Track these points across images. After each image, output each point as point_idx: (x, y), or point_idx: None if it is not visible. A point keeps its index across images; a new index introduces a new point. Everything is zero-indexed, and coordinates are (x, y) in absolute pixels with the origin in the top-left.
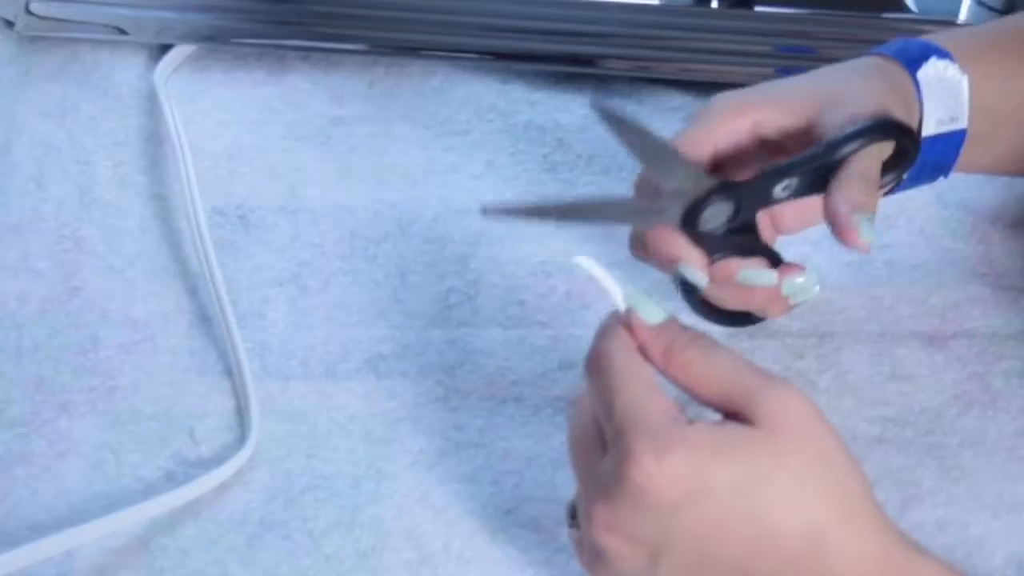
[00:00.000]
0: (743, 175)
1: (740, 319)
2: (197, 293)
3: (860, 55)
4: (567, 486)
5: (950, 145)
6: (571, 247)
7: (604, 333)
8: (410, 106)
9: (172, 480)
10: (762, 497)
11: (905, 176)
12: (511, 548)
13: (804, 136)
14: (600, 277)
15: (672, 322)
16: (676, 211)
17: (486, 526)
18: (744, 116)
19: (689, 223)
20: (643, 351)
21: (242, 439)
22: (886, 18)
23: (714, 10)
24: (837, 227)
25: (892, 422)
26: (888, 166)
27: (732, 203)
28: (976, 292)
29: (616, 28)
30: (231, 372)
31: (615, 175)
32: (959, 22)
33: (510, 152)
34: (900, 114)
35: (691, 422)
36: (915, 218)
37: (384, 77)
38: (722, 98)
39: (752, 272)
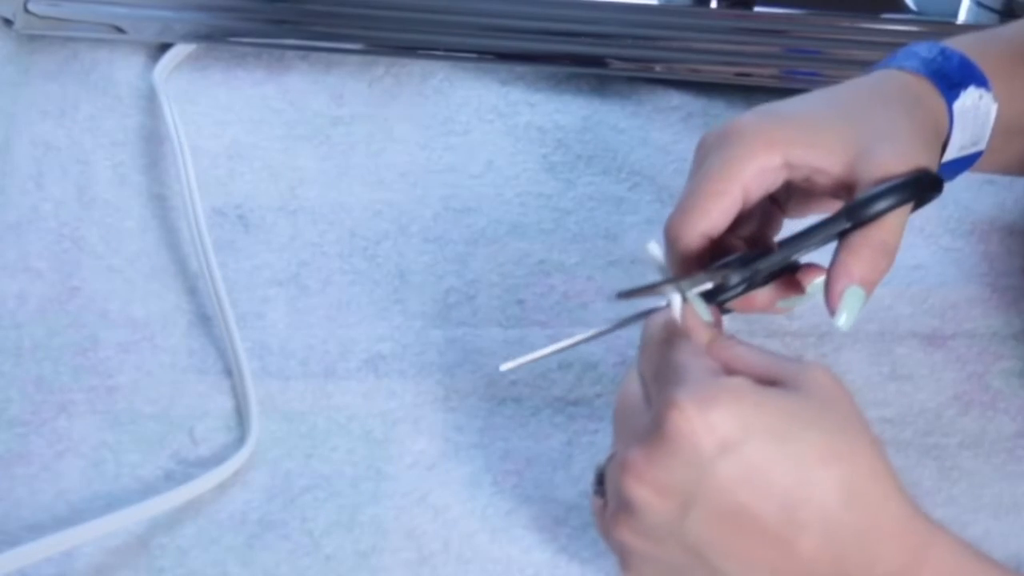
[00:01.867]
0: (752, 221)
1: None
2: (196, 293)
3: (895, 65)
4: (567, 486)
5: (964, 164)
6: (570, 246)
7: (655, 316)
8: (410, 106)
9: (171, 480)
10: (802, 444)
11: None
12: (511, 548)
13: (835, 180)
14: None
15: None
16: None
17: (486, 526)
18: (775, 151)
19: (709, 300)
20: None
21: (241, 439)
22: (886, 18)
23: (713, 10)
24: (827, 292)
25: (891, 422)
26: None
27: (750, 275)
28: (975, 292)
29: (616, 28)
30: (230, 372)
31: (614, 175)
32: (958, 23)
33: (510, 152)
34: (930, 154)
35: (735, 376)
36: (914, 218)
37: (384, 77)
38: (749, 128)
39: (789, 301)
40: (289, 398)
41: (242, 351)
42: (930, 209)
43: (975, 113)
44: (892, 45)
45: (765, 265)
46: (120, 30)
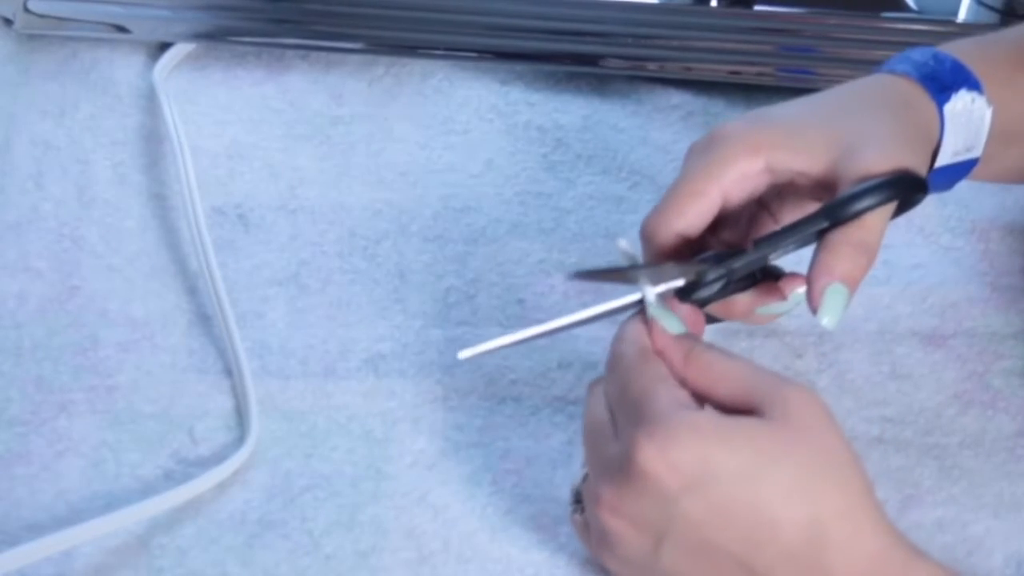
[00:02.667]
0: (740, 226)
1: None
2: (196, 292)
3: (886, 69)
4: (566, 485)
5: (959, 172)
6: (570, 246)
7: (623, 332)
8: (410, 105)
9: (171, 479)
10: (765, 485)
11: None
12: (511, 548)
13: (818, 182)
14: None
15: (690, 334)
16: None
17: (486, 526)
18: (758, 156)
19: (684, 298)
20: (662, 355)
21: (241, 438)
22: (886, 17)
23: (713, 9)
24: (808, 292)
25: (891, 422)
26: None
27: (725, 272)
28: (975, 291)
29: (616, 27)
30: (230, 371)
31: (614, 175)
32: (958, 21)
33: (509, 152)
34: (917, 157)
35: (700, 408)
36: (914, 217)
37: (384, 77)
38: (734, 132)
39: (768, 307)
40: (289, 397)
41: (242, 350)
42: (929, 208)
43: (968, 117)
44: (893, 44)
45: (740, 263)
46: (120, 29)
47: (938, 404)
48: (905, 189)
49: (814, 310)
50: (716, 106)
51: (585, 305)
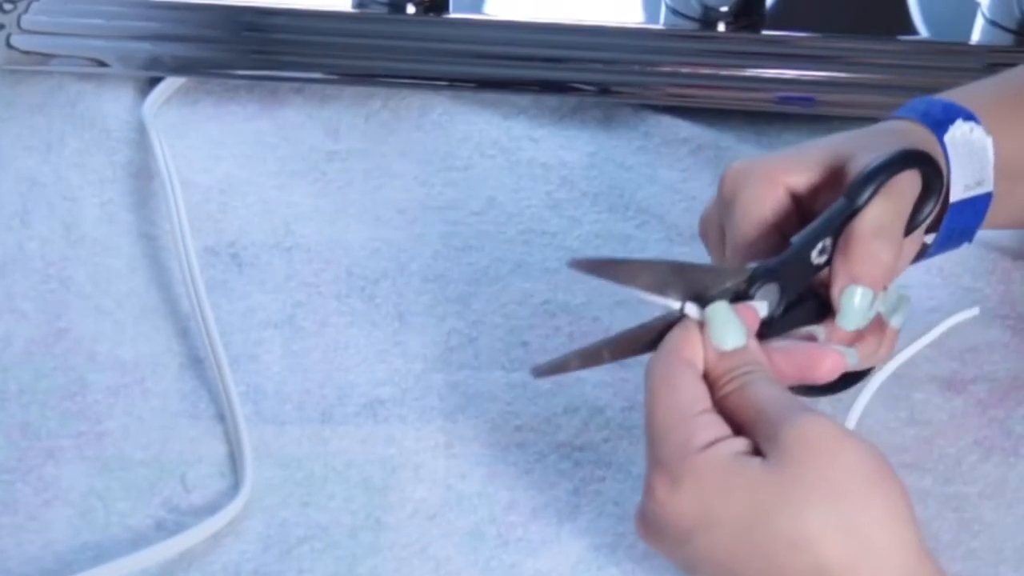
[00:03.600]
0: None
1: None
2: (188, 334)
3: (881, 119)
4: (573, 539)
5: (976, 210)
6: (575, 286)
7: (666, 344)
8: (408, 141)
9: (163, 529)
10: (766, 534)
11: (932, 233)
12: None
13: (834, 189)
14: None
15: (742, 351)
16: None
17: None
18: (777, 186)
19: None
20: (705, 372)
21: (235, 486)
22: (898, 40)
23: (721, 34)
24: (832, 303)
25: (910, 468)
26: (918, 202)
27: (776, 284)
28: (996, 335)
29: (621, 54)
30: (223, 417)
31: (621, 213)
32: (971, 43)
33: (512, 189)
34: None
35: (706, 448)
36: (933, 258)
37: (381, 111)
38: (749, 173)
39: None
40: (284, 444)
41: (235, 395)
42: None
43: (970, 147)
44: (904, 67)
45: (780, 263)
46: (102, 64)
47: (958, 451)
48: (912, 160)
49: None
50: (726, 139)
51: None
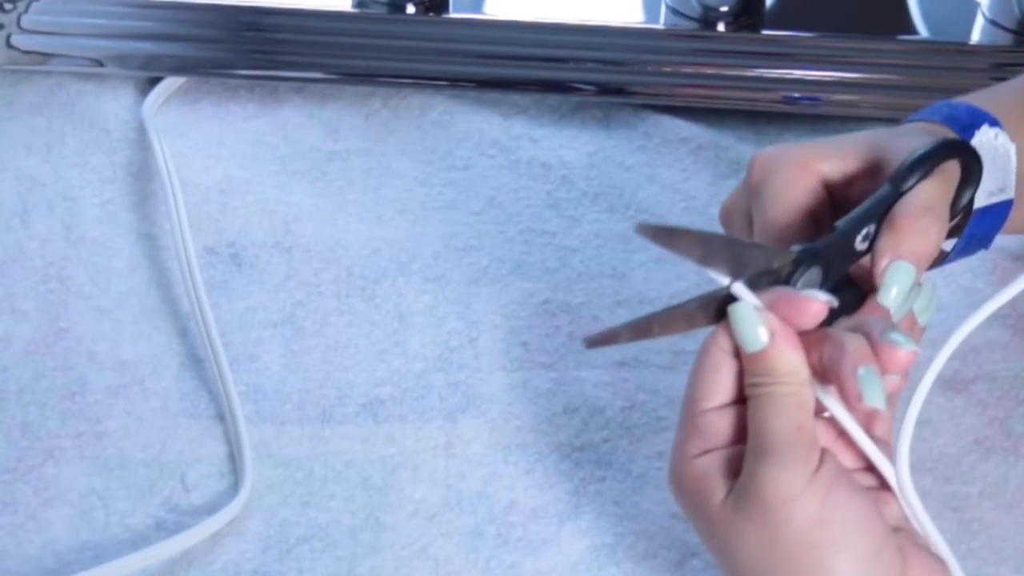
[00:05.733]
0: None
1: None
2: (188, 334)
3: (902, 121)
4: (573, 539)
5: (997, 216)
6: (575, 286)
7: (715, 328)
8: (408, 140)
9: (163, 529)
10: (735, 562)
11: (953, 246)
12: None
13: (871, 179)
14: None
15: (761, 357)
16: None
17: None
18: (810, 172)
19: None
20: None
21: (235, 486)
22: (898, 40)
23: (721, 33)
24: (872, 272)
25: (910, 468)
26: (957, 191)
27: (819, 268)
28: (997, 335)
29: (621, 54)
30: (223, 416)
31: (621, 213)
32: (971, 43)
33: (512, 188)
34: None
35: (693, 459)
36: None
37: (381, 110)
38: (781, 158)
39: (887, 296)
40: (284, 443)
41: (235, 395)
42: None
43: (994, 153)
44: (904, 67)
45: (825, 246)
46: (102, 64)
47: (958, 450)
48: (956, 150)
49: (877, 288)
50: (726, 139)
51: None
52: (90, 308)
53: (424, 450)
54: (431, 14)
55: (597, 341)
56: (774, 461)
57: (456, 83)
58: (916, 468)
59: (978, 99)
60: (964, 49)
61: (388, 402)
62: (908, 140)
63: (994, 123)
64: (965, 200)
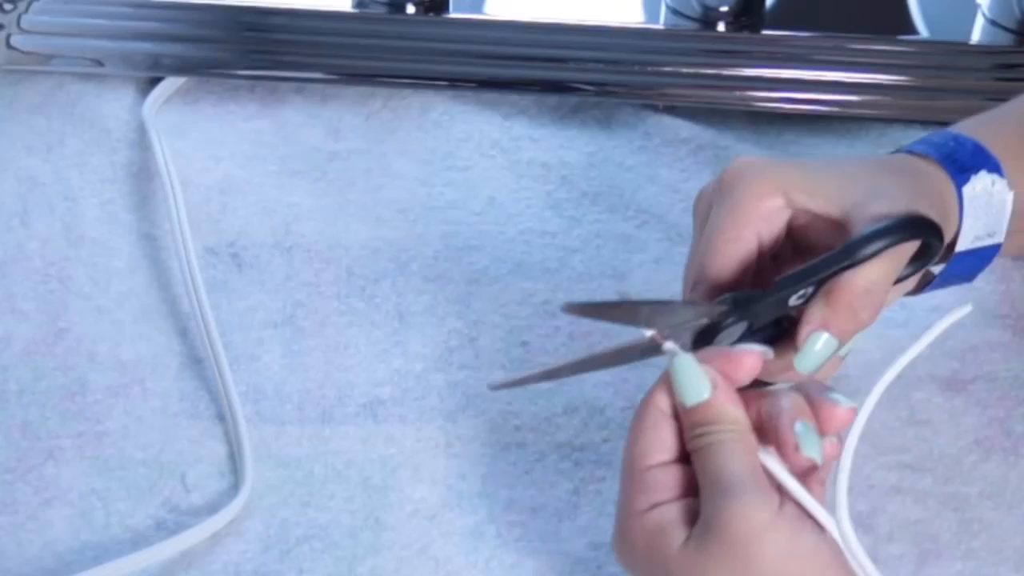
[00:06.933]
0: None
1: None
2: (188, 335)
3: (905, 150)
4: (573, 538)
5: (982, 257)
6: (575, 286)
7: (651, 388)
8: (409, 140)
9: (163, 529)
10: None
11: (928, 277)
12: None
13: (831, 227)
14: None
15: (706, 408)
16: (687, 339)
17: None
18: (776, 195)
19: (700, 345)
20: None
21: (235, 486)
22: (898, 40)
23: (721, 34)
24: (796, 340)
25: (910, 468)
26: (910, 261)
27: (746, 320)
28: (996, 335)
29: (621, 54)
30: (223, 417)
31: (621, 213)
32: (971, 43)
33: (512, 189)
34: (930, 213)
35: (643, 513)
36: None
37: (382, 111)
38: (750, 170)
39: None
40: (284, 444)
41: (235, 395)
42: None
43: (987, 200)
44: (904, 67)
45: (761, 304)
46: (104, 64)
47: (958, 450)
48: (919, 229)
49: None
50: (726, 139)
51: (591, 348)
52: (90, 308)
53: (424, 450)
54: (431, 14)
55: (502, 386)
56: (740, 496)
57: (456, 83)
58: (916, 468)
59: (983, 131)
60: (964, 49)
61: (388, 402)
62: (881, 203)
63: (994, 168)
64: (911, 271)
